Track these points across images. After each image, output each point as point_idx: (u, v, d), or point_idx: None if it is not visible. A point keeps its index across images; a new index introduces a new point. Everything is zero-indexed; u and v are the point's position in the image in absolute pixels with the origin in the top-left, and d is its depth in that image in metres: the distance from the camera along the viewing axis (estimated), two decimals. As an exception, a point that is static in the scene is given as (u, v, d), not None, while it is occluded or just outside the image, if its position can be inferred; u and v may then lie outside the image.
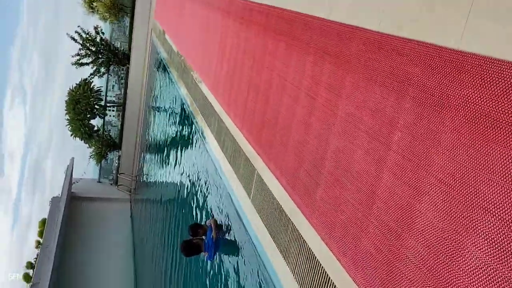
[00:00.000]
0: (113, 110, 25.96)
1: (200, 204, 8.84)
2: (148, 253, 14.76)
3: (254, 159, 5.23)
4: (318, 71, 3.74)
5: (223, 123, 6.92)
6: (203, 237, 6.70)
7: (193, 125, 9.73)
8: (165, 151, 13.64)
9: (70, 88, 21.70)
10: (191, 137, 10.21)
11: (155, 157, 16.03)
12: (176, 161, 11.93)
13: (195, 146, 9.66)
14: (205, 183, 8.43)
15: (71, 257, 16.53)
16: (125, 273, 16.55)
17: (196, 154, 9.53)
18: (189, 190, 10.01)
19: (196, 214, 9.06)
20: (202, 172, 8.79)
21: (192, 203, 9.61)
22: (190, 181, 10.00)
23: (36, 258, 17.32)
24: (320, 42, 3.75)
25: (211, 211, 8.03)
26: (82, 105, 20.72)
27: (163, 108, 15.12)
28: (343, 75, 3.33)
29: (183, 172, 10.78)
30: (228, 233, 6.49)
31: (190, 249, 6.54)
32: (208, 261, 6.78)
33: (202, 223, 7.44)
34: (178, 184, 11.16)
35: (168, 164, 12.99)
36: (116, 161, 23.99)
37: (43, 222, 19.21)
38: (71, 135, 22.12)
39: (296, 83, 4.17)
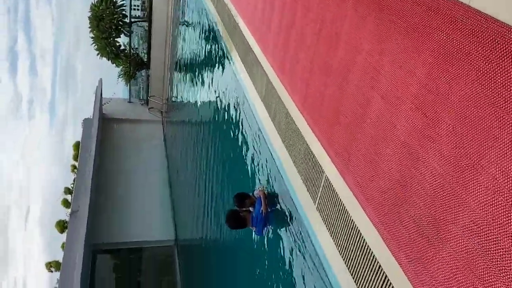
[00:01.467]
0: (140, 26, 24.38)
1: (235, 130, 8.20)
2: (183, 178, 14.49)
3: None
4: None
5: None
6: (251, 209, 5.91)
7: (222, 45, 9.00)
8: (196, 72, 12.67)
9: (92, 3, 20.23)
10: (220, 59, 9.48)
11: (185, 78, 15.04)
12: (208, 83, 11.07)
13: (224, 69, 9.07)
14: (238, 107, 7.90)
15: (107, 183, 16.50)
16: (162, 199, 16.51)
17: (226, 77, 8.87)
18: (222, 113, 9.38)
19: (233, 139, 8.43)
20: (235, 97, 8.12)
21: (226, 127, 8.97)
22: (223, 104, 9.32)
23: (73, 184, 17.45)
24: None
25: (247, 144, 7.36)
26: (106, 22, 19.38)
27: (191, 26, 13.78)
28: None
29: (216, 95, 9.93)
30: (278, 203, 5.69)
31: (236, 222, 5.72)
32: (258, 236, 6.00)
33: (255, 186, 6.61)
34: (212, 107, 10.37)
35: (200, 85, 12.14)
36: (145, 81, 23.10)
37: (76, 146, 19.09)
38: (97, 54, 21.11)
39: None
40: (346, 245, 3.54)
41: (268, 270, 6.09)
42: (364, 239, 3.26)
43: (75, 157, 18.90)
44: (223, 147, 9.35)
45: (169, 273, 14.79)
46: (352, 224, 3.44)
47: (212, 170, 10.13)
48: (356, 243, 3.38)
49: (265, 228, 5.79)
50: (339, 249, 3.70)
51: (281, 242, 5.56)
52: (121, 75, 22.60)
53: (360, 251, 3.30)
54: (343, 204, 3.59)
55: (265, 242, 6.13)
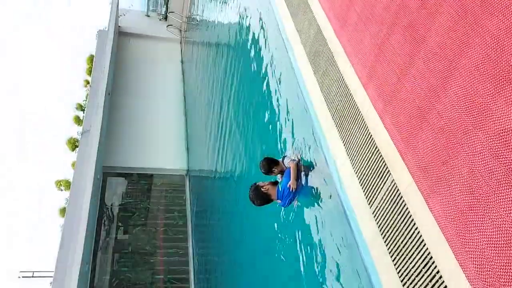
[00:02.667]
0: None
1: (258, 55, 7.43)
2: (199, 108, 13.76)
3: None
4: None
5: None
6: (278, 177, 5.15)
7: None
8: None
9: None
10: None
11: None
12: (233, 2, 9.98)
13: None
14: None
15: (120, 104, 15.83)
16: (176, 127, 15.90)
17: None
18: (246, 36, 8.55)
19: (254, 66, 7.79)
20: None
21: (249, 52, 8.16)
22: (249, 27, 8.44)
23: (85, 100, 16.79)
24: None
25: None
26: None
27: None
28: None
29: (247, 17, 8.88)
30: (311, 175, 4.94)
31: (262, 200, 4.96)
32: (282, 207, 5.26)
33: (286, 149, 5.80)
34: (241, 31, 9.36)
35: (224, 3, 11.00)
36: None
37: (90, 59, 18.13)
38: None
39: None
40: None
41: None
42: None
43: (88, 72, 18.04)
44: (250, 85, 8.46)
45: (179, 202, 14.64)
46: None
47: (234, 108, 9.36)
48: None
49: (292, 202, 5.15)
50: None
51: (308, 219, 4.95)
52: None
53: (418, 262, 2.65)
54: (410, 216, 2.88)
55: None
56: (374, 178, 3.43)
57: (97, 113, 13.81)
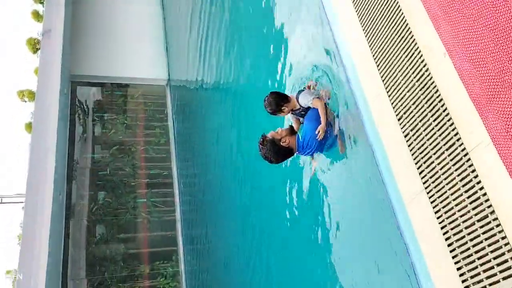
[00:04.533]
0: None
1: None
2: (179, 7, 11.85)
3: None
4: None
5: None
6: (292, 120, 4.04)
7: None
8: None
9: None
10: None
11: None
12: None
13: None
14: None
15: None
16: (154, 30, 13.82)
17: None
18: None
19: None
20: None
21: None
22: None
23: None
24: None
25: None
26: None
27: None
28: None
29: None
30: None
31: (282, 156, 3.92)
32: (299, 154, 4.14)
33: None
34: None
35: None
36: None
37: None
38: None
39: None
40: None
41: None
42: None
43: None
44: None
45: (160, 117, 13.33)
46: None
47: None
48: None
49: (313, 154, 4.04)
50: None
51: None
52: None
53: None
54: None
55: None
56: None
57: (58, 10, 11.73)
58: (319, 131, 3.63)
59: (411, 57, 2.78)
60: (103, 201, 11.39)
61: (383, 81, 3.06)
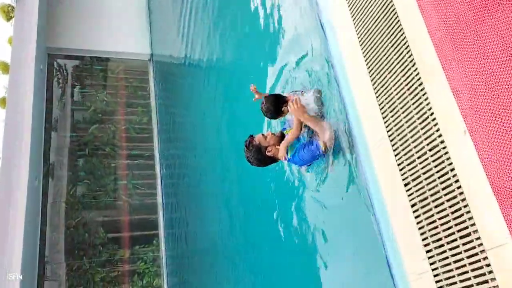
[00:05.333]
0: None
1: None
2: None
3: None
4: None
5: None
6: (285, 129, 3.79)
7: None
8: None
9: None
10: None
11: None
12: None
13: None
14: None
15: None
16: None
17: None
18: None
19: None
20: None
21: None
22: None
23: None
24: None
25: None
26: None
27: None
28: None
29: None
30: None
31: (262, 163, 3.71)
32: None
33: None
34: None
35: None
36: None
37: None
38: None
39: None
40: None
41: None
42: None
43: None
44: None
45: (142, 94, 12.73)
46: None
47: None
48: None
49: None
50: None
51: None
52: None
53: None
54: None
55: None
56: None
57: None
58: (324, 145, 3.42)
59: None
60: (82, 182, 10.89)
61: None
